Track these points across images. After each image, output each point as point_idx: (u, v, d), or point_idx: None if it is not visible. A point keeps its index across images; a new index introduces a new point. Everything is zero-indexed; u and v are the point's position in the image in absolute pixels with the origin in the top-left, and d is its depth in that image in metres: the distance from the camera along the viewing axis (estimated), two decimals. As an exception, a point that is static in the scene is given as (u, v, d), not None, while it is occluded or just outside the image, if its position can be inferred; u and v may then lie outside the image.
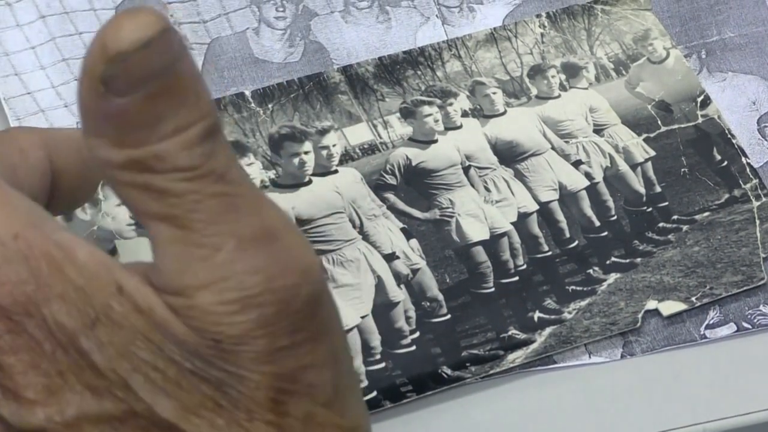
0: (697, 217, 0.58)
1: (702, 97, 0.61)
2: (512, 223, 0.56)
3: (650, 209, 0.58)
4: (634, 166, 0.59)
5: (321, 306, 0.35)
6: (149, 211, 0.34)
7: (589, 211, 0.57)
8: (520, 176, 0.58)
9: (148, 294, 0.34)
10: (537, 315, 0.54)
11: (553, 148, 0.59)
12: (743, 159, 0.59)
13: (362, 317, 0.53)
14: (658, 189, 0.58)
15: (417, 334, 0.53)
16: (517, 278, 0.55)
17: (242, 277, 0.34)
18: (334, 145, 0.57)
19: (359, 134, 0.58)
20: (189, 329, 0.34)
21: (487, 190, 0.57)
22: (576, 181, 0.58)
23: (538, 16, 0.62)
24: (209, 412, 0.34)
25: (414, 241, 0.55)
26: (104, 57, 0.33)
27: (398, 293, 0.54)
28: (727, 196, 0.58)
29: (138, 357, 0.34)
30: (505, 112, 0.60)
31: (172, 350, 0.34)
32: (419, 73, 0.60)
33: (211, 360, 0.34)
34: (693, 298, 0.55)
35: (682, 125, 0.60)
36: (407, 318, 0.53)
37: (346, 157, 0.57)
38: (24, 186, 0.39)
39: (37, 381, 0.34)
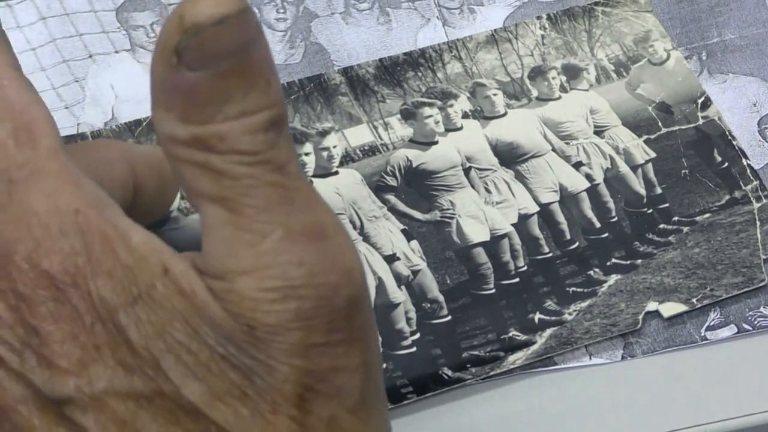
0: (697, 218, 0.58)
1: (702, 99, 0.61)
2: (513, 225, 0.56)
3: (651, 211, 0.58)
4: (634, 168, 0.59)
5: (360, 310, 0.35)
6: (203, 191, 0.34)
7: (589, 213, 0.57)
8: (520, 178, 0.58)
9: (192, 278, 0.34)
10: (537, 316, 0.54)
11: (553, 149, 0.59)
12: (744, 160, 0.59)
13: None
14: (659, 190, 0.58)
15: (417, 336, 0.53)
16: (517, 279, 0.55)
17: (286, 267, 0.34)
18: (334, 147, 0.57)
19: (360, 136, 0.58)
20: (226, 313, 0.34)
21: (488, 191, 0.57)
22: (576, 183, 0.58)
23: (539, 17, 0.62)
24: (235, 400, 0.34)
25: (414, 243, 0.55)
26: (180, 28, 0.33)
27: (399, 294, 0.54)
28: (727, 197, 0.58)
29: (173, 338, 0.34)
30: (505, 114, 0.60)
31: (207, 333, 0.34)
32: (420, 74, 0.60)
33: (243, 346, 0.34)
34: (693, 300, 0.55)
35: (683, 127, 0.60)
36: (408, 319, 0.53)
37: (347, 159, 0.57)
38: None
39: (73, 352, 0.34)
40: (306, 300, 0.34)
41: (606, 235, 0.57)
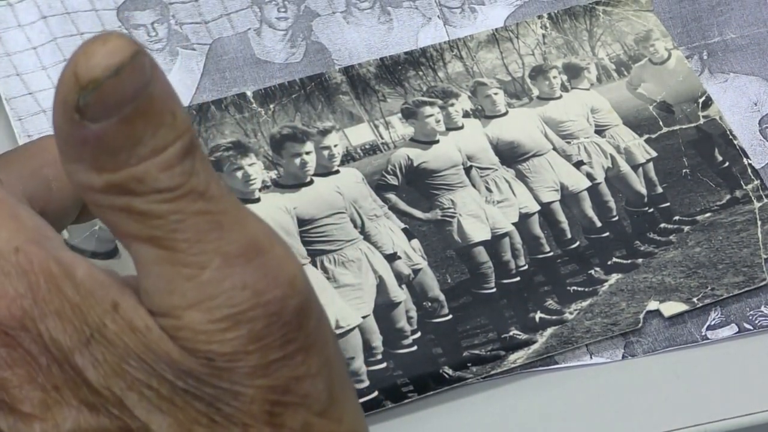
0: (698, 217, 0.58)
1: (703, 98, 0.61)
2: (513, 224, 0.56)
3: (651, 210, 0.58)
4: (635, 167, 0.59)
5: (310, 315, 0.35)
6: (131, 233, 0.34)
7: (590, 212, 0.57)
8: (521, 177, 0.58)
9: (143, 313, 0.34)
10: (538, 315, 0.54)
11: (554, 148, 0.59)
12: (744, 160, 0.59)
13: (363, 317, 0.53)
14: (660, 190, 0.58)
15: (418, 335, 0.53)
16: (518, 279, 0.55)
17: (230, 294, 0.34)
18: (335, 146, 0.57)
19: (361, 135, 0.58)
20: (180, 349, 0.34)
21: (489, 190, 0.57)
22: (577, 182, 0.58)
23: (540, 16, 0.62)
24: (204, 429, 0.34)
25: (415, 242, 0.55)
26: (77, 85, 0.32)
27: (399, 293, 0.54)
28: (728, 197, 0.58)
29: (131, 375, 0.34)
30: (506, 113, 0.60)
31: (165, 369, 0.34)
32: (421, 73, 0.60)
33: (204, 378, 0.34)
34: (694, 299, 0.55)
35: (684, 126, 0.60)
36: (408, 318, 0.53)
37: (348, 158, 0.57)
38: (55, 198, 0.39)
39: (33, 395, 0.34)
40: (256, 321, 0.34)
41: (607, 234, 0.57)
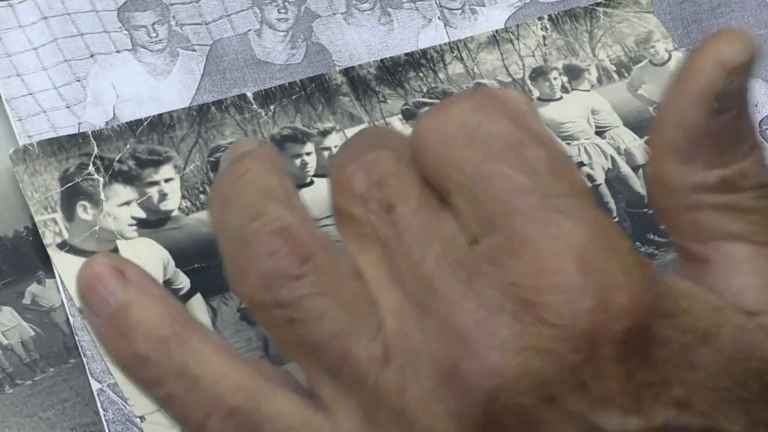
0: (699, 219, 0.57)
1: (704, 100, 0.61)
2: (514, 225, 0.56)
3: (652, 211, 0.58)
4: (635, 168, 0.59)
5: None
6: (727, 231, 0.35)
7: (590, 213, 0.57)
8: (521, 178, 0.58)
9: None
10: (538, 316, 0.54)
11: (554, 149, 0.59)
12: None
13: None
14: (660, 191, 0.58)
15: (418, 335, 0.53)
16: (518, 280, 0.55)
17: None
18: (335, 147, 0.57)
19: (361, 136, 0.58)
20: None
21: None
22: (578, 183, 0.58)
23: (540, 18, 0.62)
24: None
25: (415, 243, 0.55)
26: (724, 72, 0.34)
27: (400, 294, 0.54)
28: (729, 198, 0.58)
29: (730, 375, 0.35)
30: (507, 114, 0.60)
31: (757, 367, 0.35)
32: (421, 74, 0.60)
33: None
34: (695, 300, 0.55)
35: (684, 127, 0.60)
36: (409, 319, 0.53)
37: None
38: None
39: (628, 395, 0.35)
40: None
41: (607, 235, 0.57)
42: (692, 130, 0.35)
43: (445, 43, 0.61)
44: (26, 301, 0.51)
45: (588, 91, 0.61)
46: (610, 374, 0.34)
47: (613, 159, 0.59)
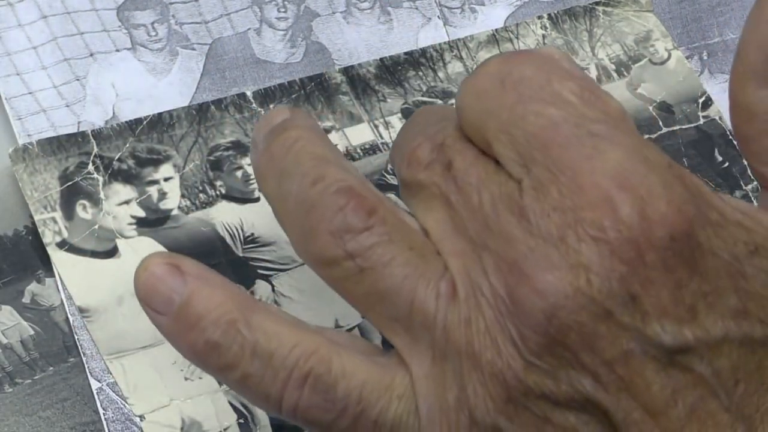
0: (698, 218, 0.57)
1: (703, 99, 0.61)
2: (513, 224, 0.56)
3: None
4: (635, 167, 0.59)
5: None
6: None
7: (590, 212, 0.57)
8: (521, 177, 0.58)
9: None
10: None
11: (554, 148, 0.59)
12: (745, 160, 0.59)
13: (364, 317, 0.53)
14: (660, 190, 0.58)
15: (418, 334, 0.53)
16: (518, 279, 0.55)
17: None
18: (335, 146, 0.57)
19: (360, 135, 0.58)
20: None
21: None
22: (577, 182, 0.58)
23: (540, 17, 0.62)
24: None
25: (415, 241, 0.55)
26: None
27: (399, 293, 0.54)
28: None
29: None
30: (506, 113, 0.60)
31: None
32: (421, 73, 0.60)
33: None
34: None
35: (684, 126, 0.60)
36: (408, 318, 0.53)
37: (348, 158, 0.57)
38: None
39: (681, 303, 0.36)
40: None
41: (607, 234, 0.57)
42: None
43: (445, 42, 0.61)
44: (26, 300, 0.51)
45: (587, 90, 0.61)
46: (660, 283, 0.35)
47: (612, 158, 0.59)
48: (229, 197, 0.55)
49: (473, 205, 0.38)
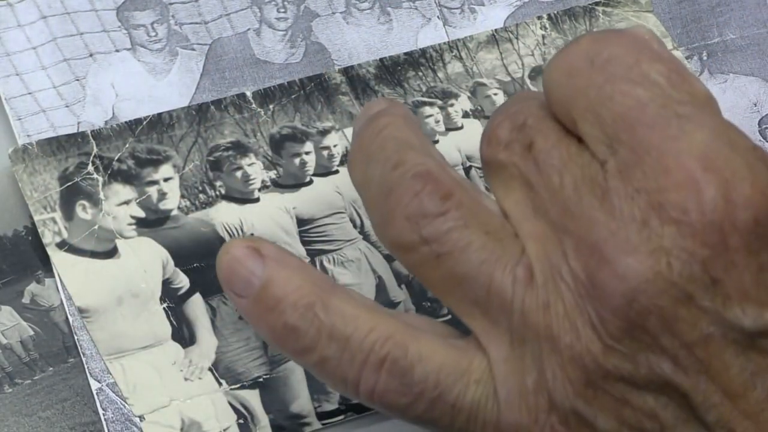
0: (698, 218, 0.57)
1: (703, 99, 0.61)
2: (513, 224, 0.56)
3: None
4: (635, 168, 0.59)
5: None
6: None
7: (590, 212, 0.57)
8: (521, 177, 0.58)
9: None
10: (538, 315, 0.54)
11: (554, 149, 0.59)
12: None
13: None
14: (660, 190, 0.58)
15: (418, 335, 0.53)
16: (518, 279, 0.55)
17: None
18: (335, 146, 0.57)
19: (360, 135, 0.58)
20: None
21: (489, 190, 0.57)
22: (577, 182, 0.58)
23: (540, 17, 0.62)
24: None
25: (415, 242, 0.55)
26: None
27: (399, 293, 0.54)
28: (728, 197, 0.58)
29: None
30: (506, 113, 0.60)
31: None
32: (420, 74, 0.60)
33: None
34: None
35: (684, 127, 0.60)
36: (408, 318, 0.53)
37: (347, 158, 0.57)
38: None
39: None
40: None
41: (606, 234, 0.57)
42: None
43: (445, 43, 0.61)
44: (25, 300, 0.51)
45: (587, 90, 0.61)
46: (742, 266, 0.35)
47: (612, 158, 0.59)
48: (228, 197, 0.55)
49: (554, 186, 0.38)
